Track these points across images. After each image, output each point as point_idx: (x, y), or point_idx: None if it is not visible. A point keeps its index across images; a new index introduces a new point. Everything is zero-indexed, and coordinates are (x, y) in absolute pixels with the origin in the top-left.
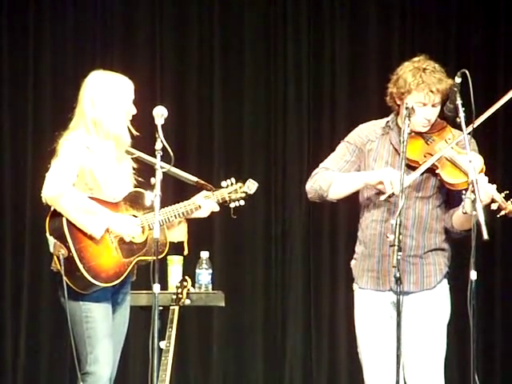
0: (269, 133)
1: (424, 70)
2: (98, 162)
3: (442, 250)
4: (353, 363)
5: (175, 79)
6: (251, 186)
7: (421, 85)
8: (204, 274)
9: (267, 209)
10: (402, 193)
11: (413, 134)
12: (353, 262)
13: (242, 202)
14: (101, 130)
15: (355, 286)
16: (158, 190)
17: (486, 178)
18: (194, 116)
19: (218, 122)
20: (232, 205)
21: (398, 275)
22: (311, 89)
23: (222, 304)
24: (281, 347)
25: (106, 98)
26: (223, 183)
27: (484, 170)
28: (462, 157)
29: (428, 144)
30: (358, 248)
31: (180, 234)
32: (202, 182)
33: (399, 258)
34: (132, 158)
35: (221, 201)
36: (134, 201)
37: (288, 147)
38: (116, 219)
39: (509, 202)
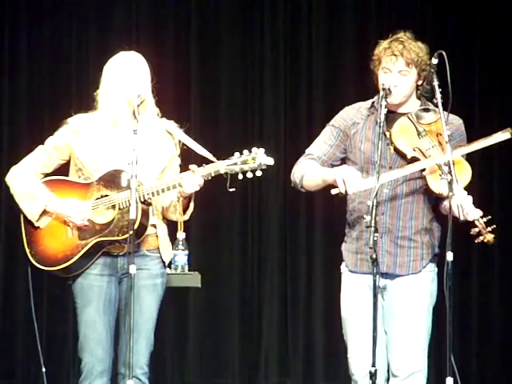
0: (245, 114)
1: (396, 39)
2: (84, 142)
3: (431, 230)
4: (329, 341)
5: (152, 59)
6: (261, 155)
7: (387, 50)
8: (180, 255)
9: (243, 189)
10: (379, 174)
11: (404, 118)
12: (343, 245)
13: (259, 173)
14: (97, 107)
15: (344, 269)
16: (134, 171)
17: (471, 198)
18: (171, 98)
19: (195, 103)
20: (240, 176)
21: (374, 256)
22: (288, 71)
23: (199, 285)
24: (257, 328)
25: (104, 76)
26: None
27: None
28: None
29: (419, 137)
30: (348, 231)
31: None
32: (211, 158)
33: (375, 239)
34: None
35: (213, 174)
36: (110, 180)
37: (264, 128)
38: (57, 203)
39: (489, 228)
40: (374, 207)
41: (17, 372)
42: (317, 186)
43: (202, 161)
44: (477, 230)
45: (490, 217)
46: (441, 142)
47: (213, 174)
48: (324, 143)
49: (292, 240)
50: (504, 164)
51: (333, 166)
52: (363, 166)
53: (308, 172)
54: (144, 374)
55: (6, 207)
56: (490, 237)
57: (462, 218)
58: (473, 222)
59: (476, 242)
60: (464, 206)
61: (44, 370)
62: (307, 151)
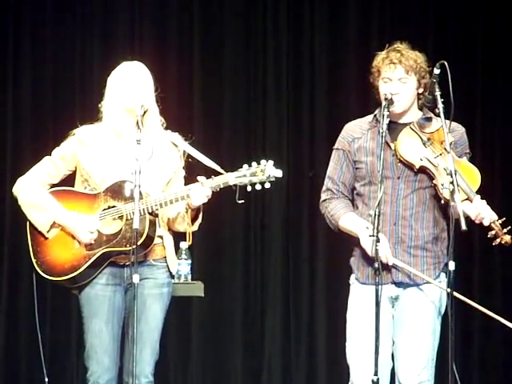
0: (248, 125)
1: (393, 48)
2: (90, 153)
3: (441, 239)
4: (331, 351)
5: (154, 67)
6: (270, 168)
7: (385, 59)
8: (183, 265)
9: (246, 200)
10: (381, 183)
11: (407, 129)
12: (352, 259)
13: (268, 185)
14: (103, 118)
15: (354, 281)
16: (137, 181)
17: (485, 202)
18: (174, 106)
19: (198, 114)
20: (249, 188)
21: (376, 266)
22: (290, 83)
23: (202, 294)
24: (260, 336)
25: (107, 87)
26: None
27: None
28: (461, 178)
29: (425, 146)
30: (357, 243)
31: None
32: (219, 169)
33: (377, 248)
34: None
35: (222, 186)
36: (118, 191)
37: (267, 139)
38: (66, 216)
39: (505, 229)
40: (377, 217)
41: (20, 381)
42: (351, 234)
43: (206, 172)
44: (493, 232)
45: (504, 218)
46: (446, 150)
47: (221, 186)
48: (335, 169)
49: (294, 250)
50: (505, 165)
51: (353, 189)
52: (371, 180)
53: (342, 221)
54: (149, 383)
55: (11, 218)
56: (507, 238)
57: (463, 228)
58: (489, 224)
59: (494, 244)
60: (480, 211)
61: (47, 379)
62: (325, 184)
